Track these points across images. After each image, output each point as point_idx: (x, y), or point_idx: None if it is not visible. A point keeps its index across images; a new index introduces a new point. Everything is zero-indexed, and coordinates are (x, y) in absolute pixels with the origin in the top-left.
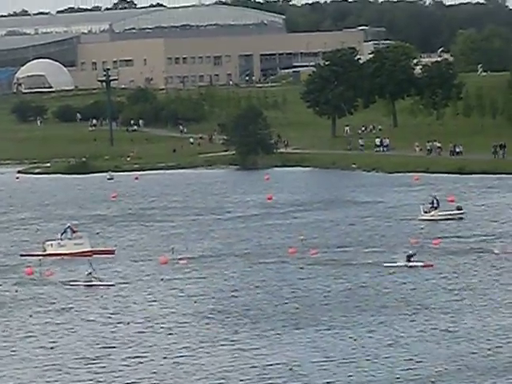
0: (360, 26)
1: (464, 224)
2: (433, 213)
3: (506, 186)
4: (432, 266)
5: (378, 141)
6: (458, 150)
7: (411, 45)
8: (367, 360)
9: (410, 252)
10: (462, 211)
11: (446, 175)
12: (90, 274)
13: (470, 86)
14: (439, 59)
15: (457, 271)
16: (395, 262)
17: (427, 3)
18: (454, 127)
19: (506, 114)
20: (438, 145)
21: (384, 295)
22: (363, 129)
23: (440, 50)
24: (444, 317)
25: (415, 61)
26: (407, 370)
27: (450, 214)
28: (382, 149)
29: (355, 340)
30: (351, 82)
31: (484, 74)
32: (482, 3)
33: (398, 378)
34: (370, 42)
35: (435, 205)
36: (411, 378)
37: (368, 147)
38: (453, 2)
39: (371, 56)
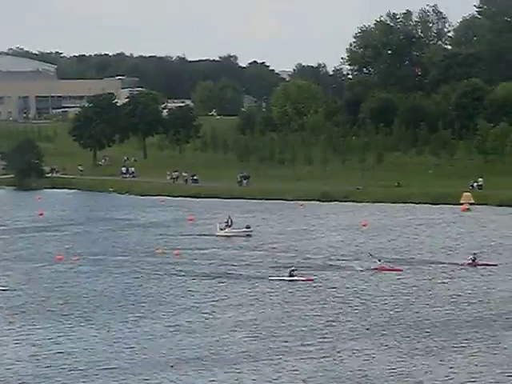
0: (118, 75)
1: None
2: (227, 230)
3: (246, 206)
4: (312, 280)
5: (123, 169)
6: (195, 178)
7: (159, 92)
8: (108, 347)
9: (293, 268)
10: (250, 229)
11: (186, 198)
12: None
13: (206, 127)
14: (182, 105)
15: (199, 276)
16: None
17: (173, 58)
18: (193, 160)
19: (236, 151)
20: (184, 174)
21: (136, 296)
22: (103, 161)
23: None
24: (182, 314)
25: (162, 105)
26: (144, 358)
27: (242, 231)
28: (128, 176)
29: (108, 331)
30: (110, 121)
31: (218, 117)
32: (218, 60)
33: (136, 364)
34: (126, 89)
35: (229, 223)
36: (150, 364)
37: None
38: (194, 58)
39: (126, 100)
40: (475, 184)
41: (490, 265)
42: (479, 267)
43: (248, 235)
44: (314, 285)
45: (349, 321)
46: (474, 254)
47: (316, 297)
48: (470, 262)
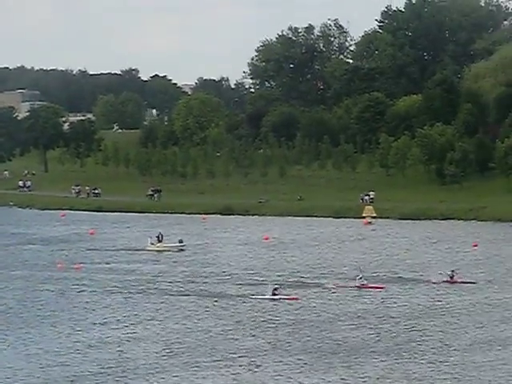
0: (18, 89)
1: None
2: (158, 244)
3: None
4: (297, 299)
5: (21, 183)
6: (97, 191)
7: (61, 106)
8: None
9: (276, 286)
10: (183, 244)
11: (87, 212)
12: None
13: (108, 141)
14: (83, 118)
15: (108, 290)
16: (263, 295)
17: (74, 72)
18: (94, 174)
19: (137, 165)
20: (87, 188)
21: (34, 310)
22: None
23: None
24: (87, 329)
25: (64, 119)
26: (45, 374)
27: (173, 246)
28: (25, 189)
29: (8, 348)
30: (10, 135)
31: (120, 131)
32: (120, 74)
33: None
34: (27, 103)
35: (160, 238)
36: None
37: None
38: (95, 72)
39: (27, 114)
40: (366, 197)
41: (468, 282)
42: (457, 284)
43: (181, 250)
44: (222, 300)
45: (254, 336)
46: (452, 270)
47: (223, 311)
48: (448, 278)
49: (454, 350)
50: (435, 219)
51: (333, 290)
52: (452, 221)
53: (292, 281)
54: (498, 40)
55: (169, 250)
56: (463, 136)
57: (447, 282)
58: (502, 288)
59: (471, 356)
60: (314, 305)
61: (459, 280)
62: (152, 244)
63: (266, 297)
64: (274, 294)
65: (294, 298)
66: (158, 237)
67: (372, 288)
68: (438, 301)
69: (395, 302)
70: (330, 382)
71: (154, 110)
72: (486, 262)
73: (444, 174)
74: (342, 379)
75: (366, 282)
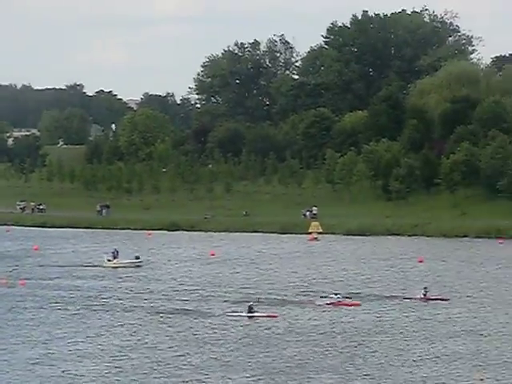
0: None
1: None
2: (114, 261)
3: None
4: (275, 316)
5: None
6: (42, 207)
7: (5, 121)
8: None
9: (251, 303)
10: (140, 260)
11: (32, 228)
12: None
13: (53, 156)
14: (28, 133)
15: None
16: (238, 313)
17: (18, 87)
18: (39, 189)
19: (82, 180)
20: (32, 203)
21: None
22: None
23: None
24: (28, 345)
25: (8, 134)
26: None
27: (130, 263)
28: None
29: None
30: None
31: (65, 146)
32: (64, 89)
33: None
34: None
35: (116, 255)
36: None
37: None
38: (40, 87)
39: None
40: (308, 213)
41: (443, 299)
42: (431, 301)
43: (138, 266)
44: (169, 317)
45: (201, 353)
46: (425, 288)
47: (169, 328)
48: (422, 296)
49: (400, 365)
50: (381, 235)
51: (287, 307)
52: (398, 236)
53: (241, 297)
54: (443, 56)
55: (125, 267)
56: (409, 152)
57: (421, 299)
58: (448, 303)
59: (416, 372)
60: (263, 321)
61: (432, 297)
62: (109, 260)
63: (243, 314)
64: (251, 312)
65: (272, 316)
66: (113, 253)
67: (348, 305)
68: (388, 317)
69: (345, 318)
70: None
71: (114, 125)
72: (431, 277)
73: (390, 190)
74: None
75: (341, 299)
